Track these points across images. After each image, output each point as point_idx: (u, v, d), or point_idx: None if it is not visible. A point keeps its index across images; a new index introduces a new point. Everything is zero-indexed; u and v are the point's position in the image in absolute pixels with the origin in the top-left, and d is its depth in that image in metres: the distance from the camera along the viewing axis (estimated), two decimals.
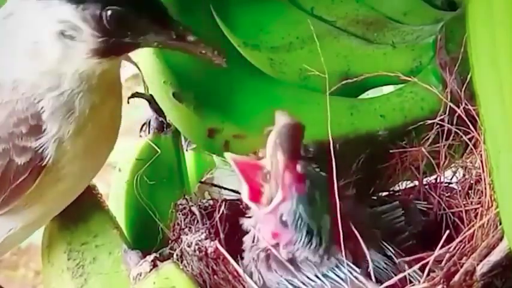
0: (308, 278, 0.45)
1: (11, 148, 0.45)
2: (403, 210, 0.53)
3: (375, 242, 0.47)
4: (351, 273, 0.44)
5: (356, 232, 0.44)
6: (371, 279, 0.44)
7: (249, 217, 0.48)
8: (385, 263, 0.46)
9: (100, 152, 0.50)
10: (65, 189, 0.49)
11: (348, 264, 0.44)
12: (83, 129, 0.46)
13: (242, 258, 0.48)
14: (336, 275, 0.45)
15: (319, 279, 0.45)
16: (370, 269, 0.44)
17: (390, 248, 0.47)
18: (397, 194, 0.59)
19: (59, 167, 0.46)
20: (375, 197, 0.59)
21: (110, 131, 0.50)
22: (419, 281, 0.42)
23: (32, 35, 0.44)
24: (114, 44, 0.44)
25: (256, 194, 0.46)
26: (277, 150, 0.45)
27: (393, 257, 0.46)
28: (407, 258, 0.45)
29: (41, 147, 0.45)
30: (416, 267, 0.43)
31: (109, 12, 0.43)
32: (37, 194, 0.47)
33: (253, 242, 0.48)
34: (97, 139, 0.48)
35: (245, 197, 0.46)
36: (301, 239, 0.45)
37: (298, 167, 0.45)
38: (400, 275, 0.43)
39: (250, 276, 0.47)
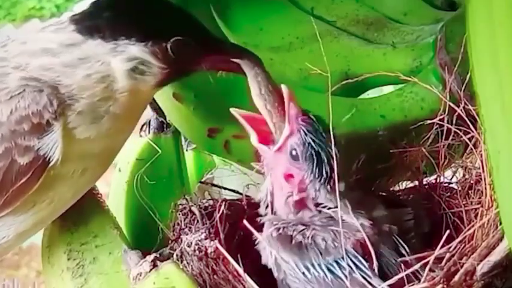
0: (312, 265, 0.45)
1: (14, 147, 0.45)
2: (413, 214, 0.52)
3: (389, 237, 0.47)
4: (356, 265, 0.44)
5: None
6: (377, 274, 0.44)
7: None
8: (395, 259, 0.46)
9: (100, 167, 0.51)
10: (58, 197, 0.49)
11: (355, 257, 0.45)
12: (100, 135, 0.47)
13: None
14: (340, 267, 0.45)
15: (322, 270, 0.45)
16: (375, 265, 0.44)
17: (404, 246, 0.47)
18: (397, 194, 0.59)
19: (56, 171, 0.46)
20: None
21: (120, 142, 0.52)
22: (419, 280, 0.42)
23: (99, 68, 0.46)
24: (176, 72, 0.48)
25: (265, 137, 0.48)
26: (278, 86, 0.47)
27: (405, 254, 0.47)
28: (407, 258, 0.45)
29: (45, 146, 0.45)
30: (416, 267, 0.43)
31: (174, 43, 0.46)
32: (31, 200, 0.47)
33: (266, 213, 0.49)
34: (109, 147, 0.50)
35: (254, 141, 0.48)
36: (312, 170, 0.46)
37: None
38: (401, 274, 0.43)
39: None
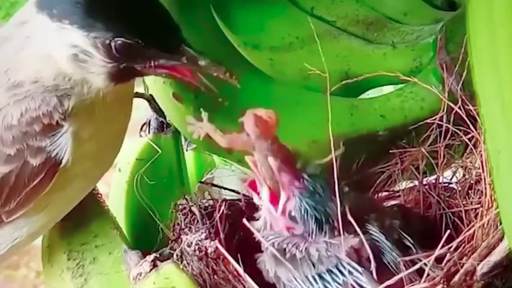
0: (306, 277, 0.46)
1: (26, 149, 0.45)
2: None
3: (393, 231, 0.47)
4: (351, 273, 0.44)
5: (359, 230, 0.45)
6: (373, 278, 0.44)
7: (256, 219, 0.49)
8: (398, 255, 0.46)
9: (107, 159, 0.51)
10: (72, 194, 0.49)
11: (349, 264, 0.45)
12: (98, 134, 0.47)
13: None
14: (333, 277, 0.45)
15: (315, 280, 0.45)
16: (372, 267, 0.44)
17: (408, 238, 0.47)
18: (397, 194, 0.59)
19: (69, 169, 0.46)
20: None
21: (118, 140, 0.51)
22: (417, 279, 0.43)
23: (47, 49, 0.45)
24: (125, 69, 0.45)
25: (274, 197, 0.47)
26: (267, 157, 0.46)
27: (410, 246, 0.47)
28: (407, 258, 0.45)
29: (56, 147, 0.45)
30: (416, 266, 0.43)
31: (118, 42, 0.43)
32: (45, 200, 0.47)
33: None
34: (107, 146, 0.49)
35: (267, 201, 0.47)
36: (312, 231, 0.46)
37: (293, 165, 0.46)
38: (399, 276, 0.43)
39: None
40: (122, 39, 0.43)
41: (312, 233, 0.47)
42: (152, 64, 0.45)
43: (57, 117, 0.45)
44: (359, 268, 0.44)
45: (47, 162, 0.45)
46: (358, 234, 0.44)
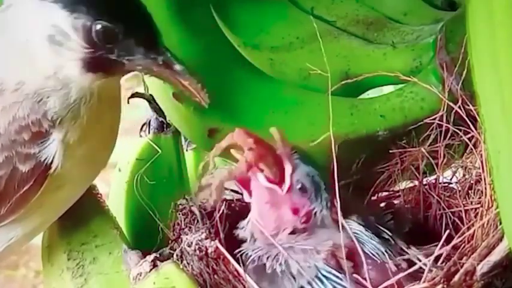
0: None
1: (14, 155, 0.45)
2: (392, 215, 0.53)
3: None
4: (331, 280, 0.44)
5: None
6: (354, 281, 0.44)
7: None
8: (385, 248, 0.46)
9: (99, 160, 0.51)
10: (65, 196, 0.49)
11: (328, 272, 0.45)
12: (86, 137, 0.46)
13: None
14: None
15: None
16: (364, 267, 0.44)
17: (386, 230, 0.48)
18: (397, 194, 0.59)
19: (60, 173, 0.46)
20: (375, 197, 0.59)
21: (109, 140, 0.51)
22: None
23: (25, 31, 0.44)
24: (100, 59, 0.44)
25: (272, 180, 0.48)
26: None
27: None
28: (406, 257, 0.46)
29: (46, 153, 0.45)
30: (416, 266, 0.43)
31: (98, 26, 0.43)
32: (37, 202, 0.47)
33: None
34: (97, 147, 0.49)
35: (264, 182, 0.48)
36: (320, 197, 0.47)
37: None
38: (398, 276, 0.43)
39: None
40: (103, 22, 0.42)
41: (319, 200, 0.47)
42: (128, 58, 0.44)
43: (46, 125, 0.45)
44: (338, 274, 0.44)
45: (36, 168, 0.45)
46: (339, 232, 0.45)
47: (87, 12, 0.42)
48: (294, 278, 0.45)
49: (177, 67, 0.45)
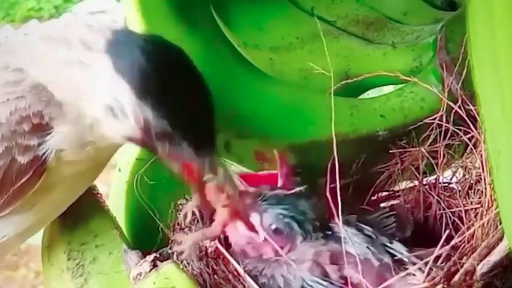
0: None
1: (14, 146, 0.45)
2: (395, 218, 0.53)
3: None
4: (320, 284, 0.45)
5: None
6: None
7: None
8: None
9: (95, 172, 0.51)
10: (58, 197, 0.49)
11: (313, 281, 0.45)
12: (85, 158, 0.47)
13: None
14: None
15: None
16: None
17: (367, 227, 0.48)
18: (397, 194, 0.59)
19: (53, 172, 0.46)
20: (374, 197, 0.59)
21: (108, 157, 0.51)
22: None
23: (87, 82, 0.44)
24: (145, 142, 0.45)
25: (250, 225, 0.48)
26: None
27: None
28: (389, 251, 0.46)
29: (45, 146, 0.45)
30: (415, 267, 0.43)
31: (159, 127, 0.43)
32: (30, 201, 0.47)
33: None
34: (96, 164, 0.49)
35: (243, 231, 0.48)
36: (299, 234, 0.47)
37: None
38: (398, 276, 0.43)
39: None
40: (165, 125, 0.42)
41: (299, 236, 0.47)
42: (170, 152, 0.44)
43: (47, 118, 0.45)
44: (324, 282, 0.45)
45: (34, 161, 0.45)
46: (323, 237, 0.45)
47: (153, 108, 0.42)
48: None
49: (220, 176, 0.45)
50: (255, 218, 0.47)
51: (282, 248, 0.47)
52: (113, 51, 0.43)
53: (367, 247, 0.46)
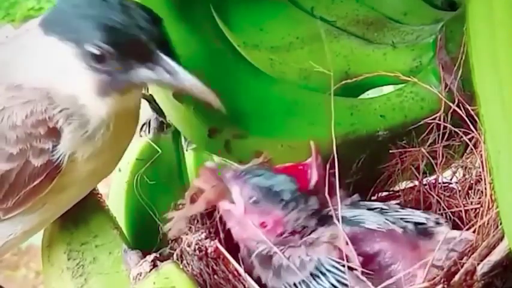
0: (294, 284, 0.46)
1: (29, 149, 0.45)
2: None
3: None
4: (332, 272, 0.45)
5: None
6: (356, 275, 0.44)
7: None
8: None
9: (106, 170, 0.51)
10: (69, 197, 0.50)
11: (329, 264, 0.45)
12: (97, 155, 0.47)
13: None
14: (317, 280, 0.45)
15: (301, 286, 0.46)
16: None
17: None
18: (397, 193, 0.59)
19: (67, 176, 0.47)
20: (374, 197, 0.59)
21: (121, 152, 0.51)
22: None
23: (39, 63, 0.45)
24: (110, 81, 0.44)
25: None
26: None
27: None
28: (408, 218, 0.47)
29: (59, 150, 0.45)
30: (415, 266, 0.43)
31: (89, 49, 0.43)
32: (40, 201, 0.47)
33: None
34: (108, 161, 0.49)
35: (225, 205, 0.49)
36: (277, 203, 0.47)
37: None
38: (398, 275, 0.43)
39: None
40: (98, 45, 0.42)
41: (285, 208, 0.47)
42: (129, 72, 0.44)
43: (61, 121, 0.45)
44: (339, 266, 0.44)
45: (48, 165, 0.45)
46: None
47: (82, 39, 0.43)
48: (297, 270, 0.46)
49: (181, 74, 0.44)
50: (235, 190, 0.48)
51: (265, 222, 0.48)
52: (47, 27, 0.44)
53: (385, 219, 0.47)
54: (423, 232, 0.47)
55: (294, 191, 0.48)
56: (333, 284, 0.44)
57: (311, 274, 0.45)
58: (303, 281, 0.45)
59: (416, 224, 0.48)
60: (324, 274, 0.45)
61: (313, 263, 0.45)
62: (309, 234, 0.48)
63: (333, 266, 0.45)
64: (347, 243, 0.44)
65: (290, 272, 0.46)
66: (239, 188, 0.48)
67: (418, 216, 0.49)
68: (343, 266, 0.44)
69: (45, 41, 0.45)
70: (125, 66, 0.43)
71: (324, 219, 0.48)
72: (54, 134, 0.45)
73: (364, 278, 0.43)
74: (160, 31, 0.44)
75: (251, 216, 0.48)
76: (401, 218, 0.48)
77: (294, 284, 0.46)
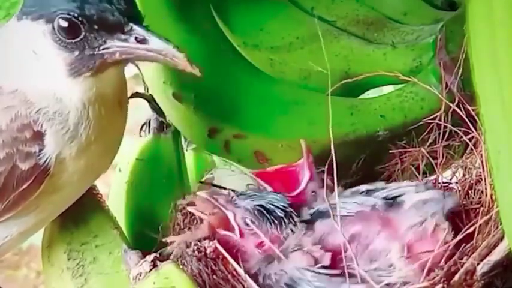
0: None
1: (15, 153, 0.45)
2: None
3: None
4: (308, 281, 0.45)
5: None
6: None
7: None
8: None
9: (100, 167, 0.51)
10: (63, 198, 0.49)
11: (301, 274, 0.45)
12: (85, 151, 0.46)
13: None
14: None
15: None
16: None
17: None
18: None
19: (58, 177, 0.46)
20: None
21: (113, 145, 0.50)
22: None
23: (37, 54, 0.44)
24: (81, 58, 0.43)
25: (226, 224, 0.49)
26: None
27: None
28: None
29: (46, 153, 0.45)
30: (415, 266, 0.43)
31: (59, 22, 0.42)
32: (34, 203, 0.47)
33: None
34: (99, 156, 0.48)
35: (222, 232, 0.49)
36: (270, 222, 0.48)
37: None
38: (398, 275, 0.43)
39: None
40: (63, 16, 0.42)
41: (278, 226, 0.48)
42: (103, 47, 0.43)
43: (45, 125, 0.45)
44: (309, 272, 0.45)
45: (35, 168, 0.45)
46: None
47: (48, 14, 0.42)
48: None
49: (153, 41, 0.42)
50: (229, 215, 0.49)
51: (261, 242, 0.48)
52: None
53: (354, 202, 0.48)
54: (392, 204, 0.48)
55: (286, 206, 0.48)
56: None
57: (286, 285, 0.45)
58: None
59: (386, 198, 0.48)
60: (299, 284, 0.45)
61: (286, 274, 0.46)
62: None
63: (304, 271, 0.45)
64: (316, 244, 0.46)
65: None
66: (232, 213, 0.49)
67: (405, 187, 0.50)
68: (313, 271, 0.45)
69: (18, 26, 0.44)
70: (96, 39, 0.43)
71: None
72: (40, 137, 0.45)
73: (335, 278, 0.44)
74: (130, 2, 0.43)
75: (248, 239, 0.48)
76: (386, 195, 0.49)
77: None
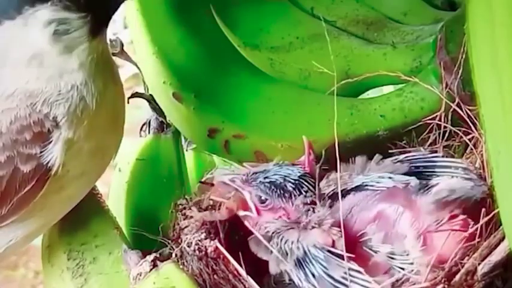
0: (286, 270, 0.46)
1: (16, 156, 0.45)
2: None
3: None
4: (318, 261, 0.44)
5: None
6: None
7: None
8: None
9: (107, 151, 0.50)
10: (68, 197, 0.49)
11: (316, 251, 0.44)
12: (93, 129, 0.46)
13: None
14: (305, 270, 0.44)
15: (292, 272, 0.45)
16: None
17: None
18: None
19: (65, 173, 0.46)
20: None
21: (115, 123, 0.50)
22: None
23: (26, 49, 0.44)
24: (96, 15, 0.44)
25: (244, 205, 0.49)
26: None
27: None
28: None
29: (48, 154, 0.45)
30: (415, 265, 0.43)
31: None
32: (40, 204, 0.47)
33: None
34: (104, 135, 0.48)
35: (241, 212, 0.49)
36: (289, 198, 0.47)
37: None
38: (399, 275, 0.43)
39: None
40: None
41: (292, 197, 0.47)
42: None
43: (49, 125, 0.45)
44: (321, 255, 0.44)
45: (37, 169, 0.45)
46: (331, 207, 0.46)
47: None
48: (287, 255, 0.45)
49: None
50: (246, 195, 0.48)
51: (280, 217, 0.47)
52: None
53: (389, 177, 0.47)
54: (423, 187, 0.46)
55: (297, 177, 0.48)
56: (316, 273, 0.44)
57: (298, 260, 0.45)
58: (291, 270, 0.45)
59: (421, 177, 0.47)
60: (310, 262, 0.44)
61: (302, 249, 0.45)
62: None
63: (319, 250, 0.44)
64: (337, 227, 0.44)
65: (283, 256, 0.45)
66: (248, 192, 0.48)
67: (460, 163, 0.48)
68: (329, 251, 0.44)
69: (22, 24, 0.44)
70: None
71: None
72: (41, 138, 0.45)
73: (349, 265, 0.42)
74: None
75: (266, 216, 0.48)
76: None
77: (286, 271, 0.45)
